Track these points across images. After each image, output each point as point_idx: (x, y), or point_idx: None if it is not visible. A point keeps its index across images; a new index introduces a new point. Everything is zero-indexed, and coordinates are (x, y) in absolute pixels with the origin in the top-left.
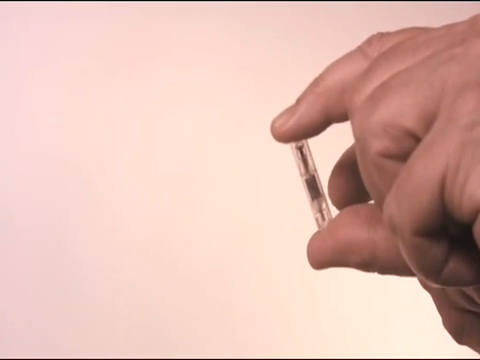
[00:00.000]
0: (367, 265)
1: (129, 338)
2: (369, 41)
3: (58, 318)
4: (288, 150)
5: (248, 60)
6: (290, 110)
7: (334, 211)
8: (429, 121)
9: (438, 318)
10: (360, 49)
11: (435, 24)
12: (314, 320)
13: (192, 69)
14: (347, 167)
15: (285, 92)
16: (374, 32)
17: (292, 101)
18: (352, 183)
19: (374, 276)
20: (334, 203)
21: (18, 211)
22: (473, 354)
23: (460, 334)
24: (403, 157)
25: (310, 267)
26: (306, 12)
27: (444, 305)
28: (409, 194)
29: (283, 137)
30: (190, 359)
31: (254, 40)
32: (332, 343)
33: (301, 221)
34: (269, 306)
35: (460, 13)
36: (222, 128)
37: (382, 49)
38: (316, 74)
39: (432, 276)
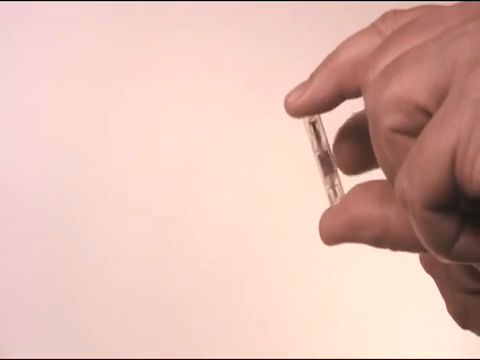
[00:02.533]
0: (379, 241)
1: (132, 336)
2: (383, 18)
3: (58, 316)
4: (289, 148)
5: (250, 60)
6: (304, 85)
7: (346, 187)
8: (441, 96)
9: (441, 319)
10: (374, 26)
11: None
12: (317, 319)
13: (193, 69)
14: (353, 130)
15: (286, 91)
16: None
17: None
18: (357, 146)
19: (378, 274)
20: (340, 167)
21: (19, 211)
22: (474, 354)
23: (465, 318)
24: (415, 132)
25: (313, 266)
26: (308, 13)
27: (448, 289)
28: (420, 168)
29: (296, 112)
30: (194, 359)
31: (257, 39)
32: (337, 342)
33: (306, 216)
34: (275, 301)
35: None
36: (225, 125)
37: (396, 26)
38: None
39: (443, 251)
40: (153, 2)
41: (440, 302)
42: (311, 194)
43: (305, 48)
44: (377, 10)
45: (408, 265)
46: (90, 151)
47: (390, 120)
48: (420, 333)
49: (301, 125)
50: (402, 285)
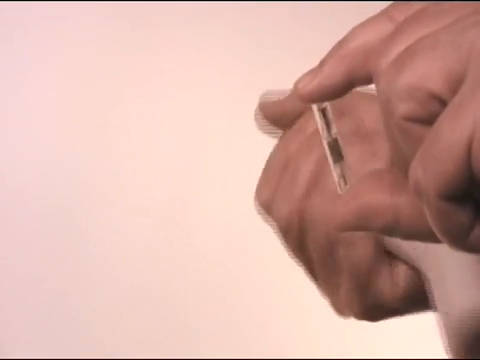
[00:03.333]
0: (390, 230)
1: (132, 336)
2: (395, 4)
3: (58, 316)
4: None
5: (250, 60)
6: (314, 71)
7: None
8: (456, 84)
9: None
10: (386, 12)
11: None
12: (317, 320)
13: (193, 69)
14: None
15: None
16: None
17: None
18: None
19: None
20: None
21: (19, 211)
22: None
23: None
24: (429, 121)
25: None
26: (308, 13)
27: None
28: (435, 157)
29: (306, 98)
30: (194, 359)
31: (257, 39)
32: (336, 342)
33: None
34: (274, 301)
35: None
36: (225, 125)
37: (408, 13)
38: None
39: (458, 241)
40: (153, 2)
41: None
42: None
43: (305, 48)
44: (377, 10)
45: None
46: (90, 151)
47: (403, 108)
48: (419, 333)
49: None
50: None
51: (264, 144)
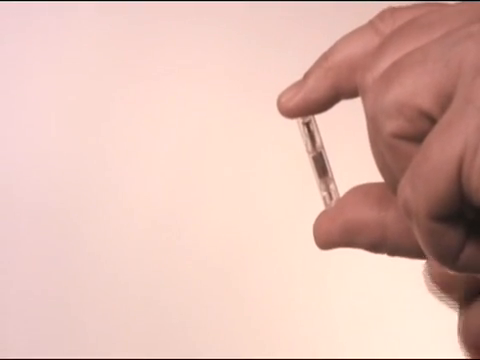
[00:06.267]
0: (376, 246)
1: (131, 337)
2: (381, 16)
3: (58, 317)
4: (288, 150)
5: (251, 60)
6: (298, 84)
7: (342, 190)
8: (445, 101)
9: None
10: (371, 24)
11: None
12: (316, 320)
13: (194, 70)
14: None
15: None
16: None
17: None
18: None
19: (377, 274)
20: None
21: (18, 214)
22: None
23: None
24: (418, 138)
25: (311, 268)
26: (307, 13)
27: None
28: (425, 177)
29: (290, 112)
30: (193, 359)
31: (259, 40)
32: (336, 342)
33: (304, 219)
34: (272, 303)
35: None
36: (223, 128)
37: (394, 25)
38: None
39: (449, 262)
40: (153, 2)
41: (438, 302)
42: (310, 197)
43: (305, 48)
44: (377, 10)
45: (407, 265)
46: (88, 155)
47: (392, 125)
48: (419, 333)
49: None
50: (401, 285)
51: (264, 145)
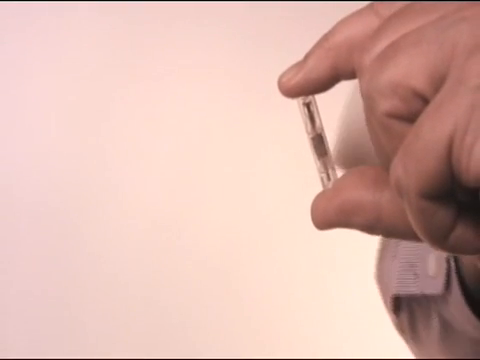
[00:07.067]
0: (371, 227)
1: (131, 337)
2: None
3: (58, 317)
4: (288, 150)
5: (251, 60)
6: (298, 65)
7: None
8: (438, 82)
9: None
10: (371, 6)
11: None
12: (316, 320)
13: (194, 70)
14: None
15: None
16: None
17: (292, 102)
18: None
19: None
20: None
21: (19, 215)
22: None
23: None
24: (411, 118)
25: (310, 268)
26: (307, 13)
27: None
28: (416, 156)
29: (290, 92)
30: (192, 359)
31: (259, 40)
32: (336, 343)
33: (303, 218)
34: (272, 303)
35: None
36: (223, 128)
37: (393, 8)
38: None
39: (438, 241)
40: (153, 2)
41: None
42: (310, 197)
43: (305, 48)
44: None
45: None
46: (88, 155)
47: (386, 105)
48: None
49: (300, 127)
50: None
51: (264, 145)
